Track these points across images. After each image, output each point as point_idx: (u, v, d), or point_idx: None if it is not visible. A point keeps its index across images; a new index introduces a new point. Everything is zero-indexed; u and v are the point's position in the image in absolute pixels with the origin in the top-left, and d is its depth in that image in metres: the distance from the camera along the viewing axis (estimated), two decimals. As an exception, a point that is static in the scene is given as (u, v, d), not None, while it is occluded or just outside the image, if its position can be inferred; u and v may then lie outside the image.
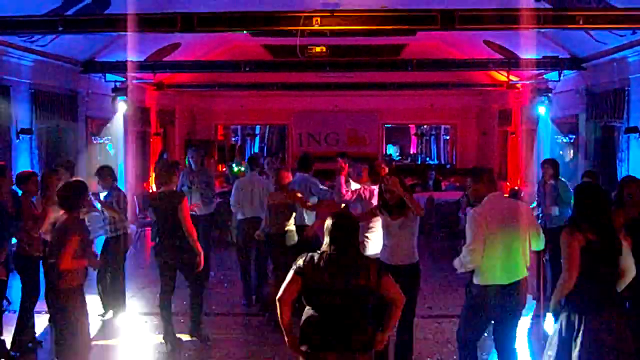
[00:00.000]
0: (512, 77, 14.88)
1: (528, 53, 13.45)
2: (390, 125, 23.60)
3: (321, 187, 8.61)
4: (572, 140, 13.98)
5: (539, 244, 5.68)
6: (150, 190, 15.43)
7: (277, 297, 4.47)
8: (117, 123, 14.40)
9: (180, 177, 9.75)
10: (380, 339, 4.54)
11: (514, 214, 5.56)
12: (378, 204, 6.48)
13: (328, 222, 4.53)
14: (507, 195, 15.15)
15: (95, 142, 13.80)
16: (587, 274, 4.78)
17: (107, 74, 13.37)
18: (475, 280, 5.56)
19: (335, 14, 8.54)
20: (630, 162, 10.77)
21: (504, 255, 5.45)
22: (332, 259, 4.40)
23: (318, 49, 9.84)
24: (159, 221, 7.23)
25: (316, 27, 8.40)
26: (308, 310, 4.49)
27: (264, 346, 7.35)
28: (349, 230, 4.50)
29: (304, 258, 4.48)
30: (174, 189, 7.64)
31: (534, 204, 9.74)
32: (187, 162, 10.45)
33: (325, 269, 4.37)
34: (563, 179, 9.48)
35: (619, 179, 10.05)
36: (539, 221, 8.91)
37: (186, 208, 7.15)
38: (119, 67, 12.92)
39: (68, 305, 5.60)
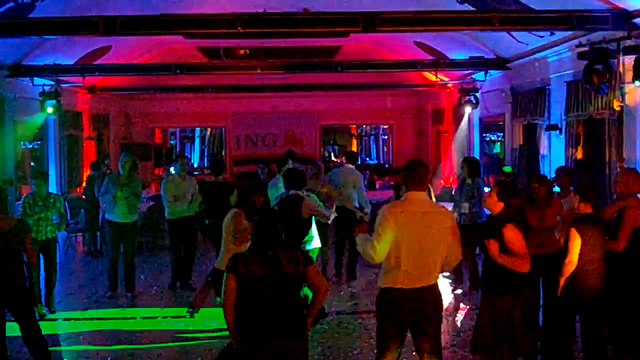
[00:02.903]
0: (442, 78, 15.18)
1: (456, 54, 13.80)
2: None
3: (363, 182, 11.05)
4: (499, 139, 14.38)
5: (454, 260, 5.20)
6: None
7: (222, 302, 4.69)
8: (46, 127, 14.16)
9: (104, 181, 9.70)
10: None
11: (435, 218, 5.07)
12: None
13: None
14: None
15: (24, 147, 13.56)
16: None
17: (35, 78, 13.15)
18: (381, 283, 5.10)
19: (258, 17, 8.62)
20: (552, 158, 11.16)
21: (415, 257, 4.93)
22: (263, 251, 4.65)
23: (242, 52, 9.88)
24: (211, 205, 8.56)
25: (239, 31, 8.46)
26: (240, 306, 4.59)
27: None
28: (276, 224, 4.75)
29: (234, 257, 4.67)
30: (225, 180, 8.89)
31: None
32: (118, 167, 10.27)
33: (256, 261, 4.61)
34: (479, 179, 9.73)
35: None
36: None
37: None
38: (47, 71, 12.72)
39: None
